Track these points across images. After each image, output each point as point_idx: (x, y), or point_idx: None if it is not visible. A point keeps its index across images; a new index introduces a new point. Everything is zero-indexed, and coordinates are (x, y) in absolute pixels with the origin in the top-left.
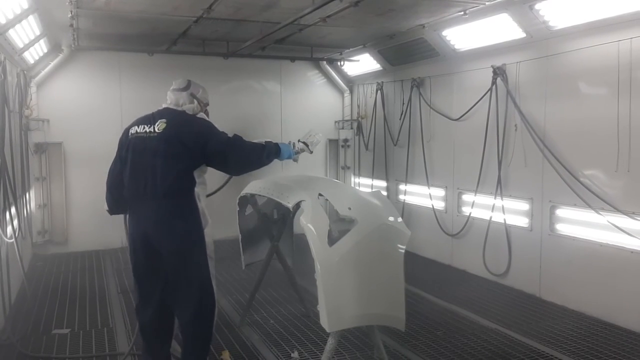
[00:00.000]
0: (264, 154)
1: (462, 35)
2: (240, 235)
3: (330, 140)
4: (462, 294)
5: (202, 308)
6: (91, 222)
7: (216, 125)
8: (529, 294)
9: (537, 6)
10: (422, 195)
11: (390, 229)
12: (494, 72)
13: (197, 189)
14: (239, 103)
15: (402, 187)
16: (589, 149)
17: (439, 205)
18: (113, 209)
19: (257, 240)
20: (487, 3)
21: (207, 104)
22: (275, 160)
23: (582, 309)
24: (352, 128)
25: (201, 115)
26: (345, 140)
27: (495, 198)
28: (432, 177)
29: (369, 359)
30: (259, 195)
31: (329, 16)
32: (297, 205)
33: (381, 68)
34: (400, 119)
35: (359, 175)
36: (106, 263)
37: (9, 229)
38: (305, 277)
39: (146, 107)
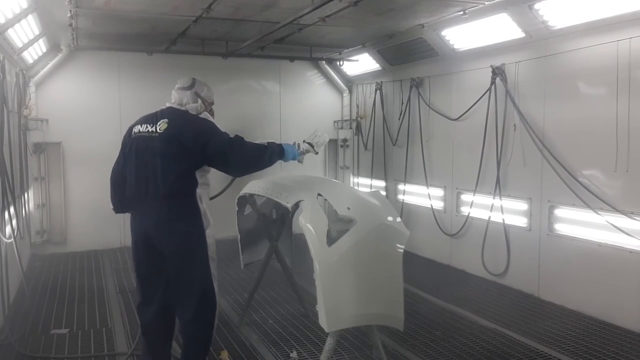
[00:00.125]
0: (266, 155)
1: (462, 35)
2: (239, 235)
3: (329, 140)
4: (460, 293)
5: (203, 309)
6: (90, 222)
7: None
8: (527, 294)
9: (537, 6)
10: (421, 195)
11: (389, 229)
12: (493, 72)
13: (199, 190)
14: (238, 103)
15: (401, 187)
16: (588, 149)
17: (438, 205)
18: (118, 208)
19: (256, 240)
20: (486, 3)
21: (212, 103)
22: None
23: (581, 308)
24: (351, 128)
25: (205, 115)
26: (344, 140)
27: (494, 198)
28: (431, 177)
29: (368, 359)
30: (258, 195)
31: (328, 16)
32: (296, 205)
33: (380, 68)
34: (399, 119)
35: (358, 175)
36: (105, 263)
37: (8, 229)
38: (304, 277)
39: (145, 106)
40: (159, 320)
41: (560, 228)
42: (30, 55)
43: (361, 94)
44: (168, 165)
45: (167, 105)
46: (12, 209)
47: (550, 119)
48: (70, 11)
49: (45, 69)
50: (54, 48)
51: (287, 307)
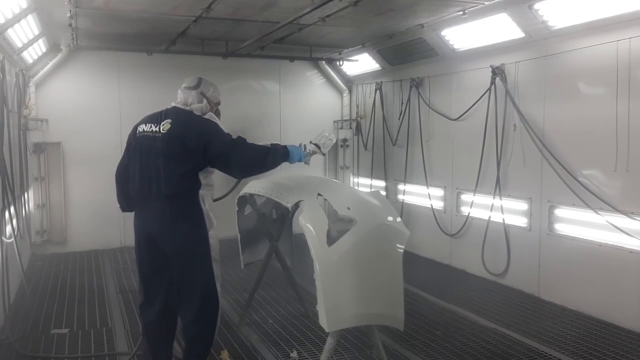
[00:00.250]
0: (269, 156)
1: (461, 35)
2: (239, 235)
3: None
4: (461, 293)
5: (205, 310)
6: (90, 222)
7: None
8: (527, 294)
9: (536, 6)
10: (421, 195)
11: (389, 229)
12: (493, 72)
13: (201, 191)
14: (238, 103)
15: (401, 187)
16: (588, 149)
17: (438, 205)
18: (124, 206)
19: (256, 240)
20: (486, 3)
21: (218, 103)
22: None
23: (581, 308)
24: (351, 128)
25: (210, 115)
26: (344, 140)
27: (494, 198)
28: (431, 177)
29: (368, 359)
30: (258, 195)
31: (328, 16)
32: (296, 205)
33: (380, 68)
34: (399, 119)
35: (358, 175)
36: (105, 263)
37: (8, 229)
38: (304, 276)
39: (145, 106)
40: (160, 320)
41: (561, 228)
42: (30, 55)
43: (361, 94)
44: (170, 165)
45: (172, 104)
46: (12, 209)
47: (550, 119)
48: (70, 11)
49: (45, 69)
50: (53, 48)
51: (287, 307)
